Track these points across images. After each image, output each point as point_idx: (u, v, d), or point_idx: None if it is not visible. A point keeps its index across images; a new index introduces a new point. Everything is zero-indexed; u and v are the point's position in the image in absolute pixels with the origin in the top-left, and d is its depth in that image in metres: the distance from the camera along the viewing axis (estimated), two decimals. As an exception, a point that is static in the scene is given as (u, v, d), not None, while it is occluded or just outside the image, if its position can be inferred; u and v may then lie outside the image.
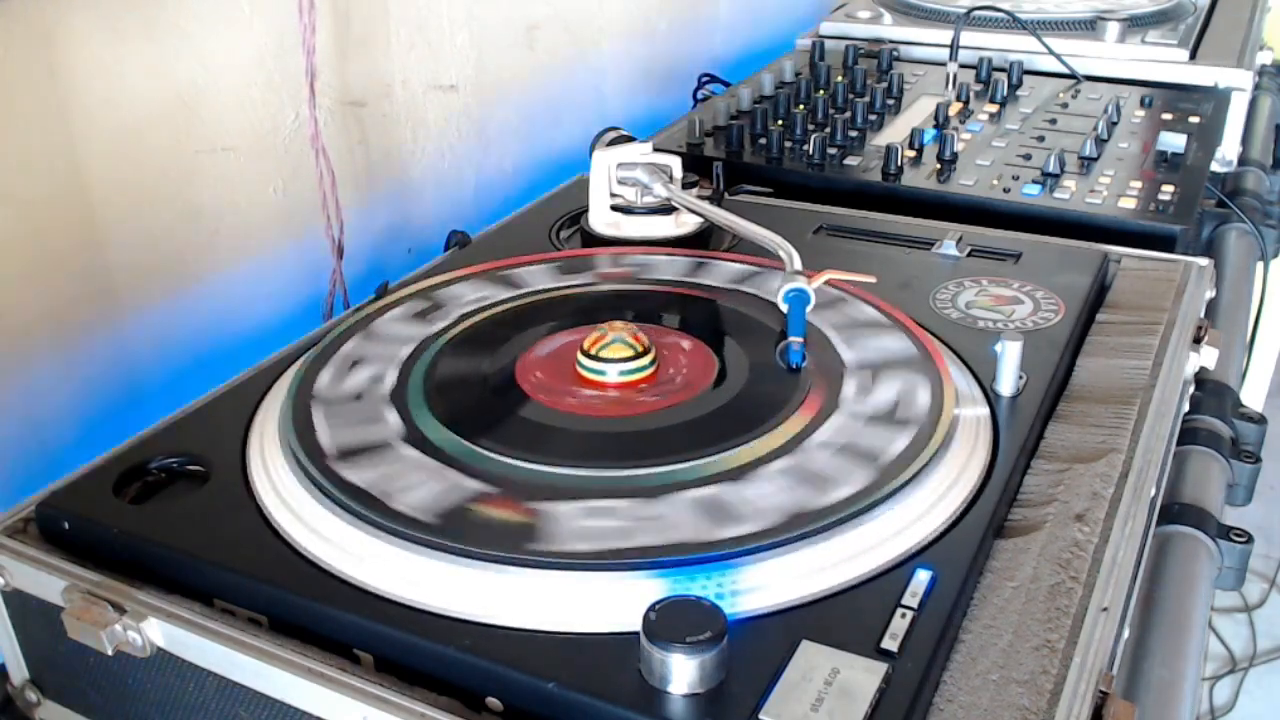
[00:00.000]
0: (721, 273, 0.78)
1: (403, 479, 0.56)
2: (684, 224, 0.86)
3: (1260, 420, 0.84)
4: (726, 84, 1.31)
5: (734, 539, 0.51)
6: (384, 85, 0.96)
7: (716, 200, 0.91)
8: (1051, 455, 0.62)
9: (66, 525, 0.57)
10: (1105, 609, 0.51)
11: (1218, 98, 1.17)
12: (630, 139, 0.89)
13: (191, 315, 0.83)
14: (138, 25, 0.74)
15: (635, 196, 0.85)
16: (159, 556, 0.54)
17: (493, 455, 0.58)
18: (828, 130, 1.08)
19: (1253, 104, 1.26)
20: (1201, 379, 0.85)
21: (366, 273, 0.96)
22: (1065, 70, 1.24)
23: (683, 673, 0.43)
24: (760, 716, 0.43)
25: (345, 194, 0.91)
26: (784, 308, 0.66)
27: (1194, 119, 1.11)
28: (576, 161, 1.06)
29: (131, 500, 0.59)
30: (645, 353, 0.64)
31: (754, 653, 0.46)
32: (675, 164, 0.86)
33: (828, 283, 0.69)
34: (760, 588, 0.49)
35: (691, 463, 0.57)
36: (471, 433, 0.60)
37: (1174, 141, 1.01)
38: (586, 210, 0.88)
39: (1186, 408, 0.82)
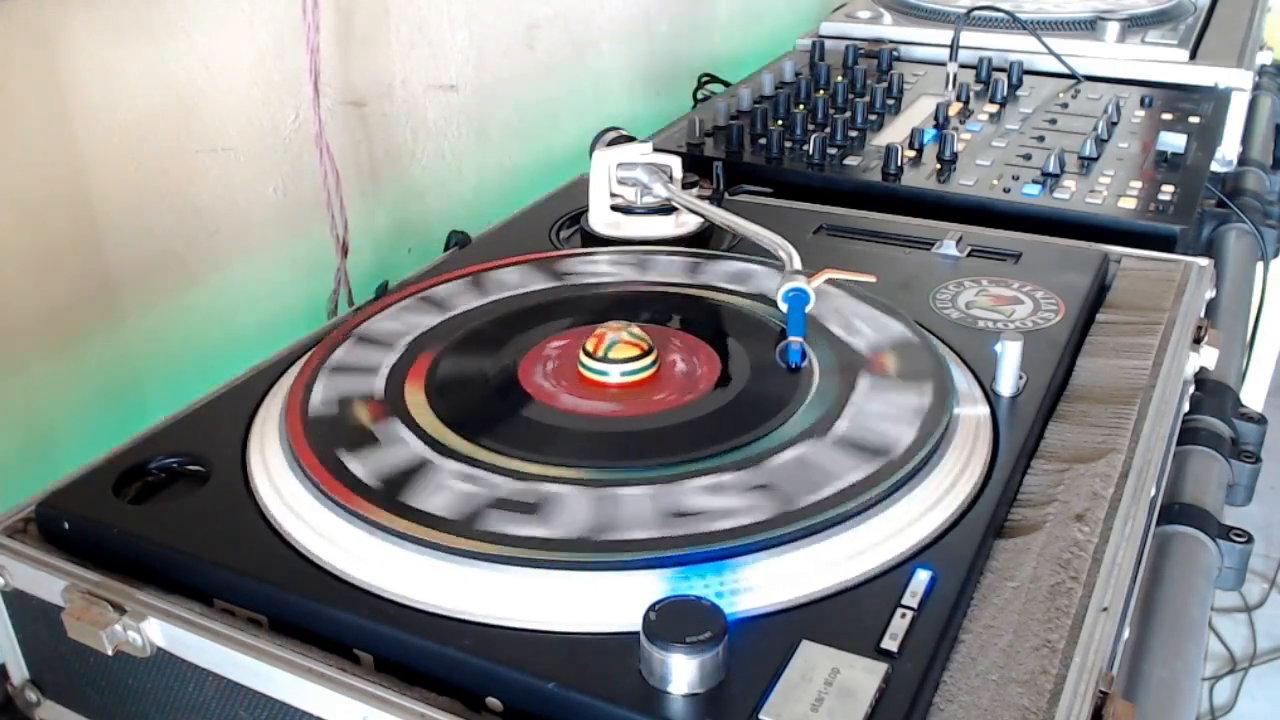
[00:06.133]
0: (721, 273, 0.78)
1: (402, 478, 0.56)
2: (684, 224, 0.86)
3: (1260, 420, 0.84)
4: (726, 84, 1.31)
5: (734, 539, 0.51)
6: (384, 85, 0.96)
7: (716, 200, 0.91)
8: (1051, 455, 0.62)
9: (66, 525, 0.57)
10: (1105, 609, 0.51)
11: (1218, 98, 1.17)
12: (630, 139, 0.89)
13: (191, 315, 0.83)
14: (138, 25, 0.74)
15: (635, 196, 0.85)
16: (159, 556, 0.54)
17: (494, 455, 0.58)
18: (828, 130, 1.08)
19: (1253, 104, 1.26)
20: (1201, 379, 0.85)
21: (367, 272, 0.96)
22: (1065, 70, 1.24)
23: (683, 673, 0.43)
24: (760, 716, 0.43)
25: (345, 193, 0.91)
26: (783, 307, 0.66)
27: (1194, 119, 1.11)
28: (576, 161, 1.06)
29: (131, 500, 0.59)
30: (647, 353, 0.64)
31: (754, 653, 0.46)
32: (675, 164, 0.86)
33: (827, 282, 0.69)
34: (760, 588, 0.49)
35: (692, 463, 0.57)
36: (472, 432, 0.60)
37: (1174, 141, 1.01)
38: (586, 210, 0.88)
39: (1186, 408, 0.82)
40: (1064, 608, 0.51)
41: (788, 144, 1.07)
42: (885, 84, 1.19)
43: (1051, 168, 0.97)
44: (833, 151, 1.04)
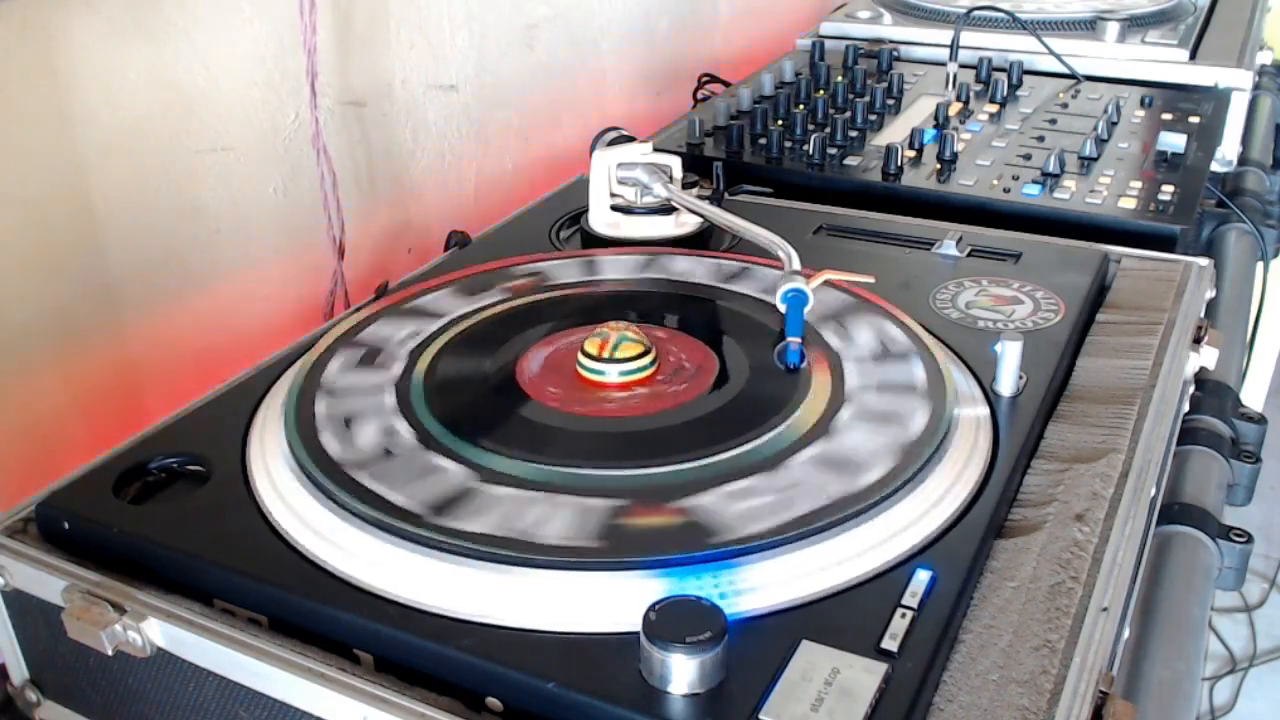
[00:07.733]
0: (722, 273, 0.78)
1: (403, 478, 0.56)
2: (684, 224, 0.86)
3: (1260, 420, 0.84)
4: (726, 84, 1.31)
5: (734, 538, 0.51)
6: (384, 85, 0.96)
7: (716, 200, 0.91)
8: (1051, 455, 0.62)
9: (66, 525, 0.57)
10: (1105, 609, 0.51)
11: (1218, 98, 1.17)
12: (630, 139, 0.89)
13: (191, 315, 0.83)
14: (138, 25, 0.74)
15: (635, 196, 0.85)
16: (159, 556, 0.54)
17: (492, 453, 0.58)
18: (828, 130, 1.08)
19: (1253, 104, 1.26)
20: (1201, 379, 0.85)
21: (367, 273, 0.96)
22: (1065, 70, 1.24)
23: (683, 673, 0.43)
24: (760, 716, 0.43)
25: (345, 194, 0.91)
26: (782, 308, 0.66)
27: (1194, 119, 1.11)
28: (576, 161, 1.06)
29: (131, 500, 0.59)
30: (645, 353, 0.64)
31: (754, 653, 0.46)
32: (675, 164, 0.86)
33: (826, 283, 0.69)
34: (760, 588, 0.49)
35: (691, 463, 0.57)
36: (471, 432, 0.60)
37: (1174, 141, 1.01)
38: (586, 210, 0.88)
39: (1186, 408, 0.82)
40: (1064, 608, 0.51)
41: (788, 144, 1.06)
42: (885, 84, 1.19)
43: (1051, 168, 0.97)
44: (833, 151, 1.04)
